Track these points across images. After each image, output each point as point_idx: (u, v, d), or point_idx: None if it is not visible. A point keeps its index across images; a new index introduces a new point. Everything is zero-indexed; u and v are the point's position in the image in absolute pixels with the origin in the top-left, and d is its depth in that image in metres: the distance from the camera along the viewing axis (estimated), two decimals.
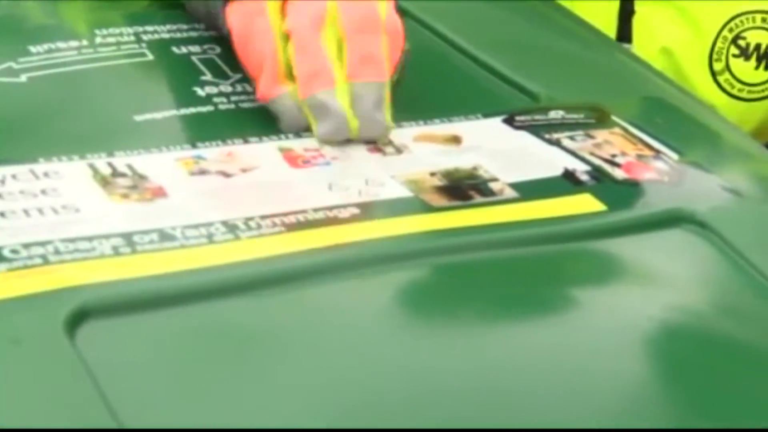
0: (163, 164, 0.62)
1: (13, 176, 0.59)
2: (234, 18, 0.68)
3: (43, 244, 0.54)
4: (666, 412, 0.53)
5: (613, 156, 0.69)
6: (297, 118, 0.66)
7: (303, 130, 0.66)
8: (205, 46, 0.75)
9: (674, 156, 0.70)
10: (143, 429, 0.46)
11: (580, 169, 0.67)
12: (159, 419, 0.46)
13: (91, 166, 0.61)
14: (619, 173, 0.67)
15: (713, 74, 1.00)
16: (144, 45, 0.75)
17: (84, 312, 0.51)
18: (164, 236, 0.56)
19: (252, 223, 0.58)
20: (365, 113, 0.65)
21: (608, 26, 0.98)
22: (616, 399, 0.53)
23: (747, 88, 1.00)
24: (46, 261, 0.53)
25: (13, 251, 0.53)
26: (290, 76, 0.66)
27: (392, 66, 0.67)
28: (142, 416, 0.46)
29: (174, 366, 0.50)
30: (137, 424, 0.46)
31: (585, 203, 0.64)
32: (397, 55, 0.68)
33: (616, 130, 0.72)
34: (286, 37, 0.66)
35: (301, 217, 0.59)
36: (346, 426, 0.48)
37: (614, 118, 0.73)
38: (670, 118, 0.78)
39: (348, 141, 0.66)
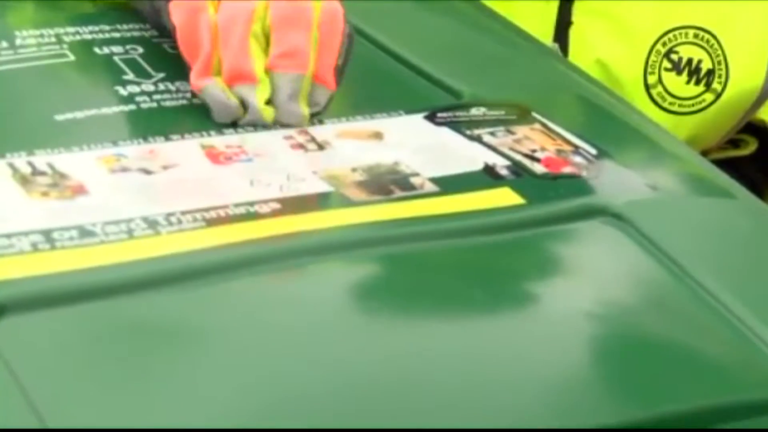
0: (83, 162, 0.63)
1: None
2: (177, 14, 0.70)
3: None
4: (591, 397, 0.55)
5: (533, 151, 0.70)
6: (226, 106, 0.68)
7: (234, 118, 0.68)
8: (128, 47, 0.76)
9: (593, 151, 0.72)
10: (63, 429, 0.46)
11: (500, 163, 0.68)
12: (79, 413, 0.47)
13: (11, 165, 0.62)
14: (538, 167, 0.69)
15: (647, 87, 1.02)
16: (65, 46, 0.75)
17: (2, 307, 0.51)
18: (84, 232, 0.57)
19: (173, 219, 0.59)
20: (280, 104, 0.68)
21: (545, 37, 0.99)
22: (541, 385, 0.54)
23: (678, 101, 1.03)
24: None
25: None
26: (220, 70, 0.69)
27: (328, 56, 0.70)
28: (62, 411, 0.47)
29: (93, 360, 0.50)
30: (57, 419, 0.46)
31: (504, 197, 0.66)
32: (336, 41, 0.70)
33: (537, 126, 0.73)
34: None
35: (221, 213, 0.60)
36: (269, 419, 0.48)
37: (534, 114, 0.75)
38: (590, 115, 0.81)
39: (271, 138, 0.68)
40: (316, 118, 0.69)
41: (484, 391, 0.53)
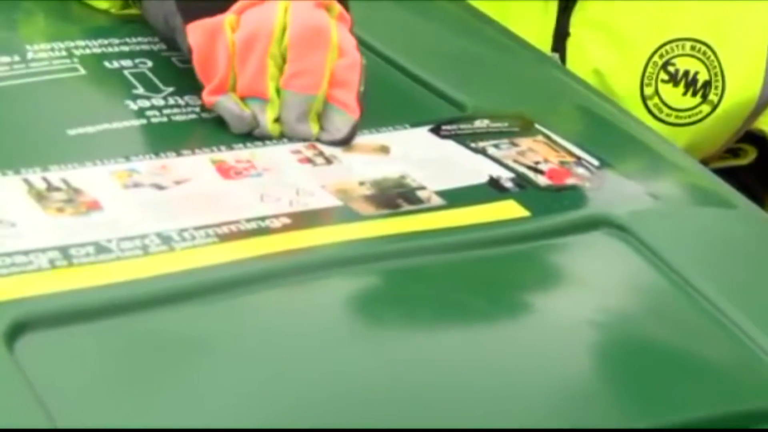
0: (97, 178, 0.64)
1: None
2: (194, 36, 0.70)
3: None
4: (595, 407, 0.56)
5: (537, 163, 0.71)
6: (240, 117, 0.69)
7: (250, 128, 0.69)
8: (137, 60, 0.76)
9: (595, 162, 0.73)
10: None
11: (505, 176, 0.69)
12: (97, 426, 0.48)
13: (26, 181, 0.62)
14: (542, 180, 0.70)
15: (643, 98, 1.02)
16: (76, 60, 0.76)
17: (22, 325, 0.52)
18: (100, 249, 0.58)
19: (186, 234, 0.60)
20: (289, 123, 0.70)
21: (543, 48, 0.99)
22: (547, 395, 0.55)
23: (674, 113, 1.03)
24: None
25: None
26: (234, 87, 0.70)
27: (349, 83, 0.71)
28: (80, 425, 0.48)
29: (112, 376, 0.51)
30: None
31: (509, 209, 0.67)
32: (356, 72, 0.71)
33: (540, 138, 0.74)
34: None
35: (234, 228, 0.61)
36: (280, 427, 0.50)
37: (538, 126, 0.76)
38: (592, 125, 0.82)
39: (279, 152, 0.69)
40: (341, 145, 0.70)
41: (490, 398, 0.54)
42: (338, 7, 0.72)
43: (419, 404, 0.52)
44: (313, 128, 0.70)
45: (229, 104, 0.69)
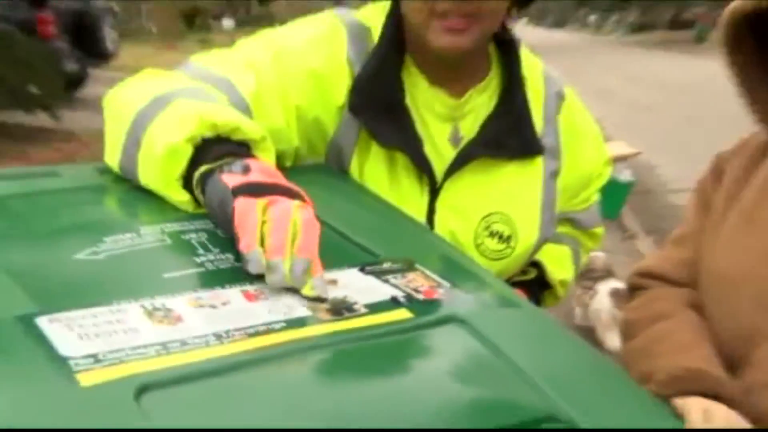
0: (180, 303, 0.67)
1: (94, 315, 0.63)
2: (238, 204, 0.72)
3: (118, 350, 0.59)
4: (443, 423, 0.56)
5: (417, 287, 0.77)
6: (261, 267, 0.70)
7: (261, 273, 0.70)
8: (199, 234, 0.81)
9: (448, 285, 0.79)
10: None
11: (399, 295, 0.75)
12: None
13: (141, 306, 0.65)
14: (420, 296, 0.75)
15: (476, 246, 1.08)
16: (165, 234, 0.80)
17: (144, 386, 0.56)
18: (183, 343, 0.62)
19: (229, 334, 0.64)
20: (295, 276, 0.71)
21: (420, 218, 1.05)
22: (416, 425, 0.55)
23: (493, 253, 1.09)
24: (121, 360, 0.58)
25: (104, 355, 0.58)
26: (261, 242, 0.71)
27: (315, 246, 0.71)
28: None
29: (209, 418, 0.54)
30: None
31: (402, 314, 0.72)
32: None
33: (419, 272, 0.80)
34: (264, 222, 0.72)
35: (257, 329, 0.64)
36: None
37: (417, 265, 0.81)
38: (447, 265, 0.86)
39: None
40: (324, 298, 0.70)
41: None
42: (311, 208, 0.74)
43: None
44: (306, 279, 0.71)
45: (258, 257, 0.69)
